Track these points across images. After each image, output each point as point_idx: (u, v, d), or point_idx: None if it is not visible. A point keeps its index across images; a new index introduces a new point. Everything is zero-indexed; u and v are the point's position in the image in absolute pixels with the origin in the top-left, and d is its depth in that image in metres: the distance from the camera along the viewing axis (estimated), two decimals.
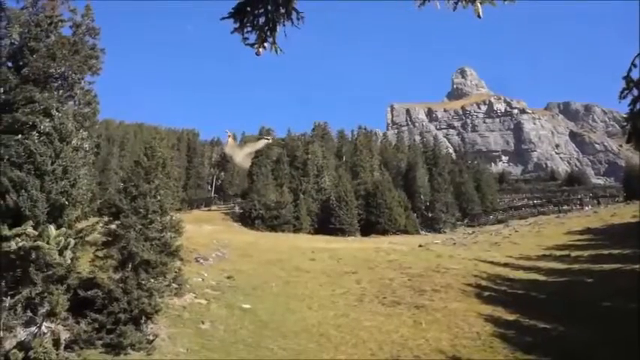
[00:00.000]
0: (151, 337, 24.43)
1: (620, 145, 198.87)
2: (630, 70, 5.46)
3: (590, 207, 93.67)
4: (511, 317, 29.57)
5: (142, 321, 24.77)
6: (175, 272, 28.25)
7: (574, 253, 46.64)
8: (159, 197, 28.35)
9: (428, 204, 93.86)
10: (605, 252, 45.27)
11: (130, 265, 25.73)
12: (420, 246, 55.84)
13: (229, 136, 54.73)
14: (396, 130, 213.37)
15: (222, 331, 27.71)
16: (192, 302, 31.04)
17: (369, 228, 77.87)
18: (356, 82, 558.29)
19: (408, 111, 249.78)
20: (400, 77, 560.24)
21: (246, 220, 78.13)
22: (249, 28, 5.89)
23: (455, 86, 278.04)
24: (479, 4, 5.63)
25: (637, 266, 38.91)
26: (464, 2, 5.67)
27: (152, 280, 25.71)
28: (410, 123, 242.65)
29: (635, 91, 5.48)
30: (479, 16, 5.71)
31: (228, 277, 36.88)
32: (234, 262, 42.27)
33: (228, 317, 29.72)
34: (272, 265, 42.67)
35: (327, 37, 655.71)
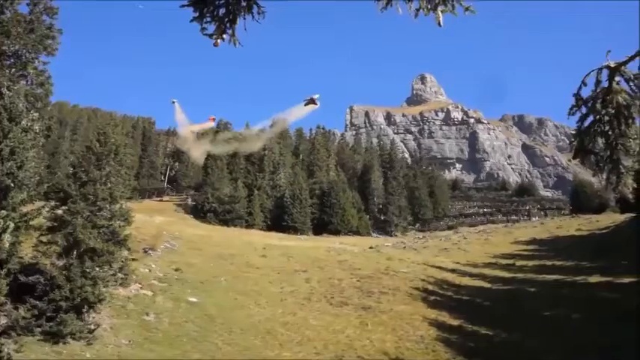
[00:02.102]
0: (93, 327, 23.90)
1: (570, 160, 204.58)
2: (580, 88, 5.61)
3: (537, 218, 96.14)
4: (455, 322, 30.14)
5: (84, 310, 24.21)
6: (122, 262, 27.73)
7: (519, 263, 47.84)
8: (109, 185, 27.77)
9: (381, 207, 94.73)
10: (549, 263, 46.60)
11: (75, 253, 25.11)
12: (371, 248, 56.29)
13: (174, 102, 53.48)
14: (354, 132, 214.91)
15: (167, 323, 27.34)
16: (137, 293, 30.51)
17: (321, 227, 78.10)
18: (316, 80, 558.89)
19: (367, 113, 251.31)
20: (361, 79, 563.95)
21: (199, 212, 77.29)
22: (209, 19, 5.80)
23: (414, 92, 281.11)
24: (440, 13, 5.69)
25: (578, 278, 40.19)
26: (425, 10, 5.71)
27: (97, 269, 25.16)
28: (368, 125, 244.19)
29: (584, 109, 5.63)
30: (439, 25, 5.77)
31: (177, 270, 36.39)
32: (183, 254, 41.73)
33: (174, 310, 29.35)
34: (222, 259, 42.33)
35: (291, 33, 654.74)
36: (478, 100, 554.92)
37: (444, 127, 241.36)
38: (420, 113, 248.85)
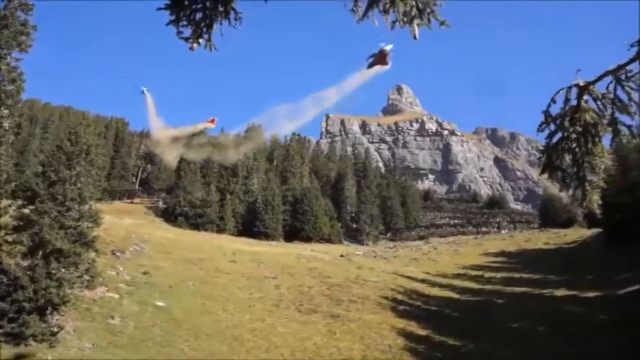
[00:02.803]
0: (56, 329, 23.47)
1: (540, 174, 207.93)
2: (550, 105, 5.69)
3: (506, 231, 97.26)
4: (423, 332, 30.31)
5: (48, 312, 23.76)
6: (89, 264, 27.33)
7: (488, 274, 48.34)
8: (79, 185, 27.38)
9: (353, 215, 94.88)
10: (517, 275, 47.18)
11: (40, 253, 24.66)
12: (342, 256, 56.35)
13: (144, 92, 52.09)
14: (329, 140, 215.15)
15: (133, 327, 26.97)
16: (103, 296, 30.06)
17: (293, 234, 77.91)
18: (293, 87, 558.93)
19: (342, 122, 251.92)
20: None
21: (170, 216, 76.53)
22: (185, 22, 5.77)
23: (390, 102, 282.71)
24: (415, 26, 5.74)
25: (545, 291, 40.78)
26: (401, 22, 5.75)
27: (63, 270, 24.73)
28: (344, 134, 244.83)
29: (553, 126, 5.71)
30: (415, 38, 5.82)
31: (145, 273, 35.95)
32: (152, 257, 41.26)
33: (140, 314, 28.96)
34: (191, 263, 41.94)
35: (268, 41, 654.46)
36: (452, 111, 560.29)
37: (418, 138, 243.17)
38: (395, 123, 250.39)
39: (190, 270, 39.89)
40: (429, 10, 5.70)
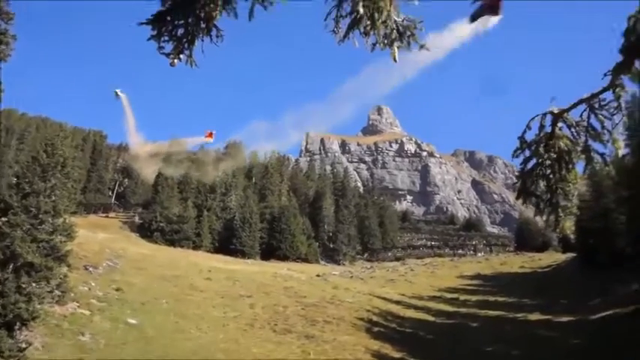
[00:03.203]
0: (24, 345, 22.91)
1: (516, 199, 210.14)
2: (525, 131, 5.77)
3: (482, 254, 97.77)
4: (397, 355, 30.21)
5: (17, 327, 23.20)
6: (60, 279, 26.84)
7: (463, 297, 48.49)
8: (53, 197, 26.99)
9: (331, 234, 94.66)
10: (492, 299, 47.40)
11: (11, 266, 24.15)
12: (318, 276, 56.18)
13: (118, 94, 50.29)
14: (308, 158, 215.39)
15: (103, 345, 26.45)
16: (74, 312, 29.47)
17: (269, 252, 77.42)
18: (274, 105, 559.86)
19: (322, 140, 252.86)
20: (319, 106, 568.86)
21: (145, 231, 75.60)
22: (167, 38, 5.75)
23: (370, 122, 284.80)
24: (395, 49, 5.79)
25: (519, 315, 40.99)
26: (381, 45, 5.81)
27: (34, 285, 24.25)
28: (323, 152, 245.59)
29: (527, 152, 5.77)
30: (394, 60, 5.87)
31: (117, 289, 35.38)
32: (126, 273, 40.67)
33: (111, 331, 28.44)
34: (166, 280, 41.41)
35: (250, 57, 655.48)
36: (432, 133, 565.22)
37: (397, 159, 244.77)
38: (375, 143, 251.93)
39: (164, 287, 39.37)
40: (409, 34, 5.76)
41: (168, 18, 5.70)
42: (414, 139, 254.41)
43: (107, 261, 42.23)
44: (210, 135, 56.47)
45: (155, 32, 5.68)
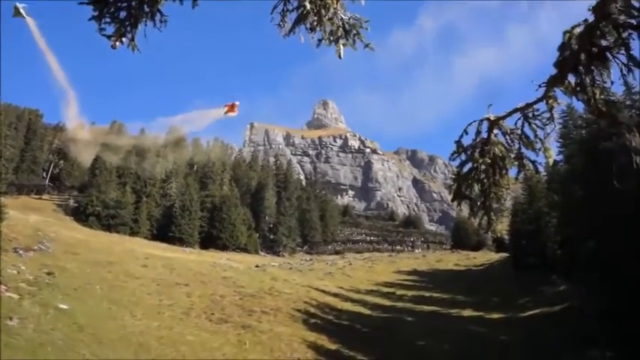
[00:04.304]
0: None
1: (451, 201, 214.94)
2: (462, 136, 5.96)
3: (420, 250, 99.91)
4: (333, 346, 30.58)
5: None
6: None
7: (400, 292, 49.52)
8: None
9: (272, 226, 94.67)
10: (427, 294, 48.60)
11: None
12: (257, 267, 56.13)
13: (20, 10, 40.43)
14: (252, 149, 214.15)
15: (32, 330, 25.58)
16: (1, 296, 28.40)
17: (209, 241, 76.80)
18: (219, 92, 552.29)
19: (267, 131, 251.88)
20: (264, 98, 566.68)
21: (81, 215, 73.53)
22: (108, 19, 5.65)
23: (316, 116, 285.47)
24: (341, 46, 5.88)
25: (453, 311, 42.20)
26: (327, 41, 5.88)
27: None
28: (267, 144, 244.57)
29: (464, 156, 5.97)
30: (339, 57, 5.96)
31: (49, 274, 34.27)
32: (58, 258, 39.44)
33: (41, 316, 27.53)
34: (100, 266, 40.40)
35: (193, 43, 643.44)
36: (376, 131, 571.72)
37: (340, 154, 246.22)
38: (319, 137, 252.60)
39: (98, 273, 38.40)
40: (354, 32, 5.86)
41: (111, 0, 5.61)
42: (357, 136, 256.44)
43: (39, 244, 40.83)
44: (233, 107, 49.08)
45: (96, 13, 5.58)
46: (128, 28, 5.74)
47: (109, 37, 5.71)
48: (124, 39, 5.79)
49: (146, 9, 5.72)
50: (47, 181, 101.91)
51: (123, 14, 5.67)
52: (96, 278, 36.72)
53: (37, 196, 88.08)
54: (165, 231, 74.22)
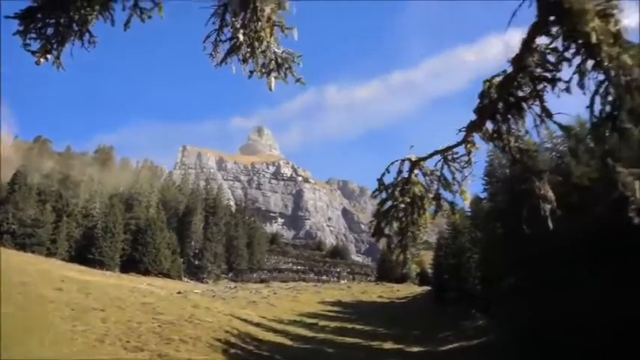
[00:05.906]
0: None
1: (372, 237, 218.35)
2: (384, 174, 6.03)
3: (345, 281, 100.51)
4: None
5: None
6: None
7: (322, 323, 49.37)
8: None
9: (197, 251, 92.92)
10: (350, 326, 48.70)
11: None
12: (179, 293, 54.74)
13: None
14: (183, 171, 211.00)
15: None
16: None
17: (130, 265, 74.43)
18: (155, 112, 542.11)
19: (199, 155, 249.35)
20: (198, 120, 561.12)
21: None
22: (34, 35, 5.44)
23: (250, 142, 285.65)
24: (272, 79, 5.88)
25: (374, 343, 42.43)
26: (259, 74, 5.87)
27: None
28: (199, 167, 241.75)
29: (385, 194, 6.04)
30: (270, 89, 5.96)
31: None
32: None
33: None
34: (10, 287, 38.24)
35: (132, 66, 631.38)
36: (309, 160, 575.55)
37: (272, 181, 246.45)
38: (252, 164, 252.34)
39: (7, 295, 36.32)
40: (286, 66, 5.87)
41: (39, 15, 5.41)
42: (290, 164, 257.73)
43: None
44: None
45: (22, 28, 5.37)
46: (54, 46, 5.55)
47: (33, 52, 5.51)
48: (49, 56, 5.59)
49: (75, 28, 5.55)
50: None
51: (50, 31, 5.49)
52: (4, 300, 34.71)
53: None
54: (85, 253, 71.42)
